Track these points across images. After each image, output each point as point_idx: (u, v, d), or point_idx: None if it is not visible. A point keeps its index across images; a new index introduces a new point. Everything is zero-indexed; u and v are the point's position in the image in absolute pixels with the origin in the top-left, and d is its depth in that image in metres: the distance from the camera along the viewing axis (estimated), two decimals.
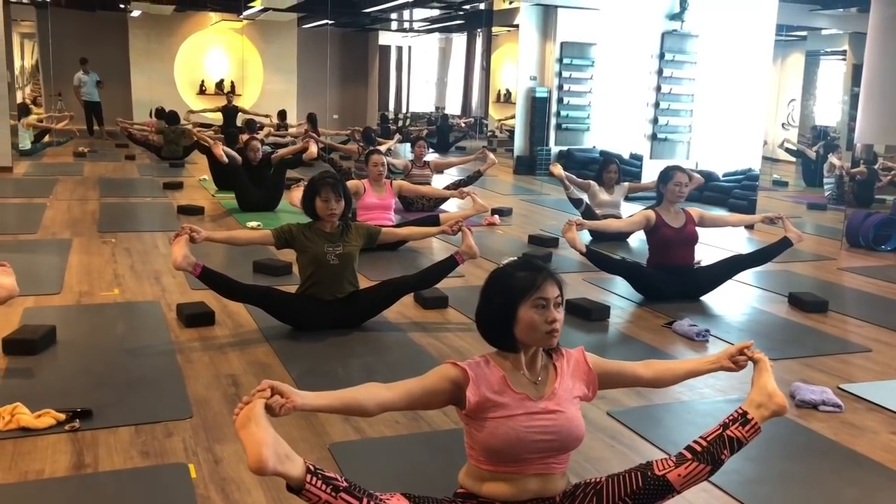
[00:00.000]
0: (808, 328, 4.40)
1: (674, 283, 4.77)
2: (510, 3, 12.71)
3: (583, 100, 11.88)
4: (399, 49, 18.51)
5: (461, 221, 4.30)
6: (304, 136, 11.18)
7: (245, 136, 10.24)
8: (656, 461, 1.93)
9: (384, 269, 5.06)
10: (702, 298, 4.86)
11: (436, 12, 15.09)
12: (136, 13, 15.54)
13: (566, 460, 1.99)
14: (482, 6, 13.77)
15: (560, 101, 11.76)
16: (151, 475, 2.48)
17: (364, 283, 4.26)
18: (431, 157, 10.04)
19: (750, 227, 7.26)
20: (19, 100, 13.44)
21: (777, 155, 12.79)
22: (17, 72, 14.01)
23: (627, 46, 11.31)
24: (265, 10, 14.81)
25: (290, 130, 13.38)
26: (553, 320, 1.91)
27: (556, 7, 11.42)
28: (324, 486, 1.68)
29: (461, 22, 15.96)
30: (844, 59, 12.35)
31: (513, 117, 12.65)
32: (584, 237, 6.29)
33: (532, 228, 7.10)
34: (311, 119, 12.53)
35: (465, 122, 16.22)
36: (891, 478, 2.65)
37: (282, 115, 14.20)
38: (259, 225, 6.70)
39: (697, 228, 4.87)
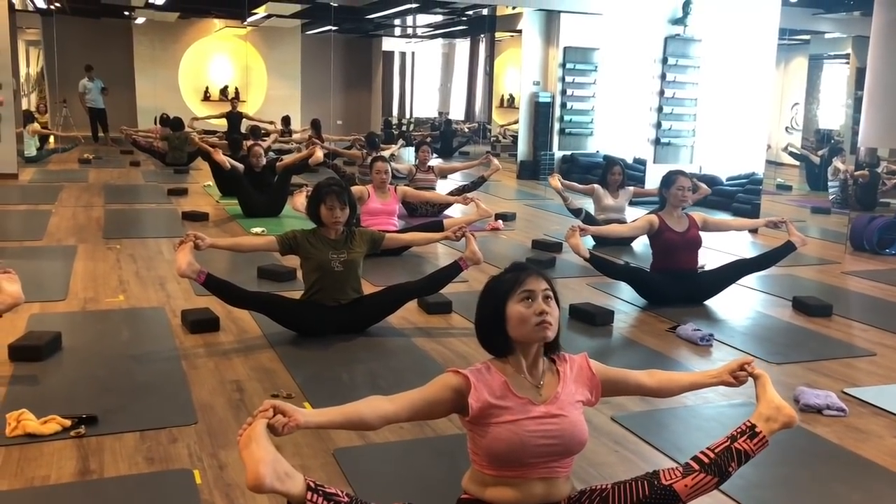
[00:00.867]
0: (812, 332, 4.40)
1: (678, 287, 4.77)
2: (513, 8, 12.73)
3: (586, 104, 11.90)
4: (402, 55, 18.53)
5: (465, 227, 4.30)
6: (308, 142, 11.22)
7: (249, 142, 10.29)
8: (663, 470, 1.94)
9: (388, 275, 5.07)
10: (706, 303, 4.86)
11: (439, 18, 15.12)
12: (140, 20, 15.59)
13: (570, 464, 2.00)
14: (485, 12, 13.79)
15: (563, 105, 11.77)
16: (156, 481, 2.49)
17: (368, 288, 4.27)
18: (435, 162, 10.06)
19: (753, 231, 7.25)
20: (24, 107, 13.49)
21: (781, 159, 12.79)
22: (22, 79, 14.06)
23: (631, 51, 11.34)
24: (269, 16, 14.85)
25: (295, 136, 13.42)
26: (541, 311, 1.92)
27: (559, 12, 11.44)
28: (324, 503, 1.69)
29: (464, 27, 15.98)
30: (848, 63, 12.35)
31: (516, 122, 12.66)
32: (588, 242, 6.29)
33: (536, 233, 7.11)
34: (315, 125, 12.56)
35: (468, 127, 16.25)
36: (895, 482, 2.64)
37: (286, 121, 14.24)
38: (263, 231, 6.73)
39: (701, 233, 4.87)
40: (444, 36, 17.63)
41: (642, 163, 10.76)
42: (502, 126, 15.35)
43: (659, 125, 10.62)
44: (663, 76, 10.50)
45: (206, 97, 16.27)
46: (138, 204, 8.21)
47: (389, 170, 6.40)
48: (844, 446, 2.90)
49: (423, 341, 3.97)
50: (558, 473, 1.96)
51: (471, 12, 13.89)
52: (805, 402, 3.21)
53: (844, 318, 4.70)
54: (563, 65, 11.65)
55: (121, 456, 2.64)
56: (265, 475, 1.61)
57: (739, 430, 1.97)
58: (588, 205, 7.08)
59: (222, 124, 14.19)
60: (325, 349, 3.78)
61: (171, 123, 11.95)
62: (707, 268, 5.09)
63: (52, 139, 13.05)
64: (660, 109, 10.59)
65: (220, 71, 16.50)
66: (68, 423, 2.80)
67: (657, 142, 10.69)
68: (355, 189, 5.73)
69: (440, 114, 17.72)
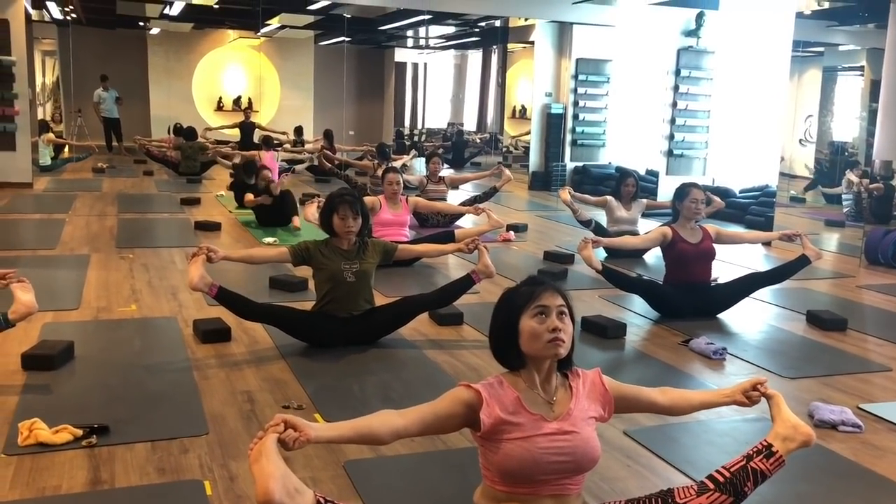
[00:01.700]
0: (826, 346, 4.36)
1: (691, 300, 4.74)
2: (525, 20, 12.76)
3: (598, 116, 11.89)
4: (415, 66, 18.60)
5: (477, 239, 4.30)
6: (320, 152, 11.27)
7: (264, 153, 10.35)
8: (678, 489, 1.92)
9: (399, 286, 5.06)
10: (719, 316, 4.83)
11: (451, 29, 15.17)
12: (155, 31, 15.73)
13: (581, 481, 1.98)
14: (498, 23, 13.82)
15: (575, 117, 11.77)
16: (167, 492, 2.49)
17: (379, 299, 4.27)
18: (447, 172, 10.07)
19: (767, 243, 7.21)
20: (40, 116, 13.60)
21: (794, 171, 12.72)
22: (38, 89, 14.20)
23: (643, 63, 11.33)
24: (282, 27, 14.95)
25: (307, 146, 13.48)
26: (554, 328, 1.91)
27: (572, 24, 11.45)
28: None
29: (476, 39, 16.03)
30: (862, 75, 12.28)
31: (528, 133, 12.68)
32: (600, 254, 6.27)
33: (547, 245, 7.09)
34: (328, 135, 12.61)
35: (480, 138, 16.27)
36: None
37: (298, 131, 14.31)
38: (276, 241, 6.75)
39: (714, 245, 4.85)
40: (456, 47, 17.69)
41: (655, 174, 10.72)
42: (514, 137, 15.37)
43: (672, 137, 10.58)
44: (676, 88, 10.48)
45: (220, 107, 16.37)
46: (151, 213, 8.25)
47: (401, 181, 6.41)
48: (860, 463, 2.86)
49: (435, 353, 3.96)
50: (570, 490, 1.95)
51: (483, 24, 13.94)
52: (820, 418, 3.18)
53: (859, 332, 4.65)
54: (576, 76, 11.66)
55: (132, 466, 2.64)
56: (275, 491, 1.60)
57: (755, 449, 1.95)
58: (600, 217, 7.06)
59: (235, 134, 14.28)
60: (336, 360, 3.77)
61: (185, 133, 12.02)
62: (720, 281, 5.06)
63: (66, 149, 13.14)
64: (672, 121, 10.56)
65: (233, 81, 16.60)
66: (80, 432, 2.80)
67: (670, 153, 10.65)
68: (367, 200, 5.74)
69: (452, 125, 17.76)
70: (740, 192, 9.70)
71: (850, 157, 11.34)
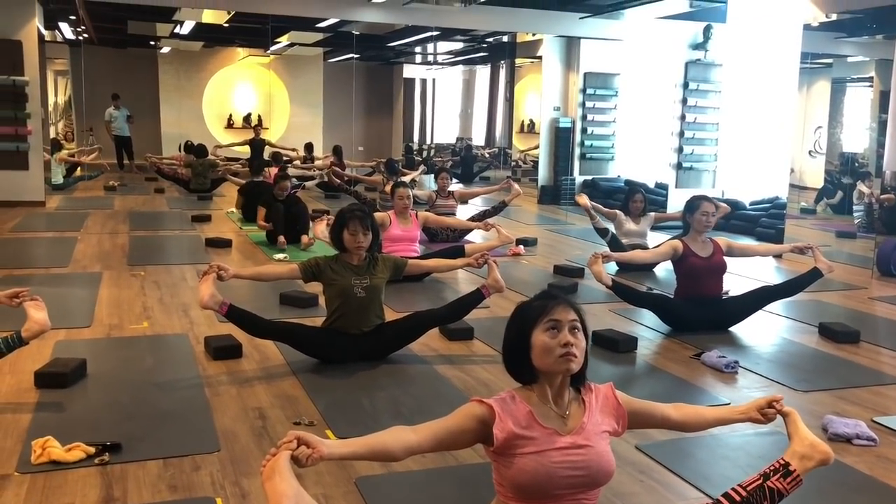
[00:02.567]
0: (839, 359, 4.33)
1: (702, 313, 4.72)
2: (533, 35, 12.80)
3: (607, 129, 11.90)
4: (423, 81, 18.68)
5: (487, 254, 4.30)
6: (330, 168, 11.31)
7: (273, 170, 10.39)
8: None
9: (410, 301, 5.07)
10: (731, 329, 4.81)
11: (459, 45, 15.24)
12: (165, 50, 15.86)
13: (596, 496, 1.97)
14: (505, 38, 13.89)
15: (584, 130, 11.79)
16: None
17: (390, 315, 4.27)
18: (456, 187, 10.09)
19: (778, 256, 7.18)
20: (52, 135, 13.72)
21: (804, 182, 12.68)
22: (50, 108, 14.33)
23: (651, 76, 11.35)
24: (292, 45, 15.04)
25: (317, 163, 13.53)
26: (566, 343, 1.89)
27: (579, 38, 11.49)
28: None
29: (485, 54, 16.10)
30: (871, 86, 12.25)
31: (537, 147, 12.68)
32: (611, 267, 6.26)
33: (557, 259, 7.09)
34: (337, 151, 12.66)
35: (488, 153, 16.30)
36: None
37: (308, 147, 14.37)
38: (286, 257, 6.77)
39: (725, 258, 4.83)
40: (464, 63, 17.76)
41: (664, 187, 10.72)
42: (523, 151, 15.38)
43: (681, 150, 10.59)
44: (684, 101, 10.49)
45: (230, 125, 16.47)
46: (163, 230, 8.29)
47: (412, 195, 6.42)
48: (875, 476, 2.84)
49: (445, 368, 3.96)
50: None
51: (491, 39, 14.01)
52: (834, 432, 3.16)
53: (873, 344, 4.62)
54: (584, 90, 11.68)
55: (144, 483, 2.65)
56: None
57: (772, 467, 1.93)
58: (610, 228, 7.05)
59: (245, 151, 14.35)
60: (346, 376, 3.77)
61: (195, 150, 12.09)
62: (731, 294, 5.04)
63: (79, 168, 13.23)
64: (681, 134, 10.57)
65: (243, 99, 16.71)
66: (92, 450, 2.81)
67: (679, 166, 10.66)
68: (377, 216, 5.75)
69: (461, 139, 17.80)
70: (750, 205, 9.68)
71: (860, 168, 11.29)
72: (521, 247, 7.47)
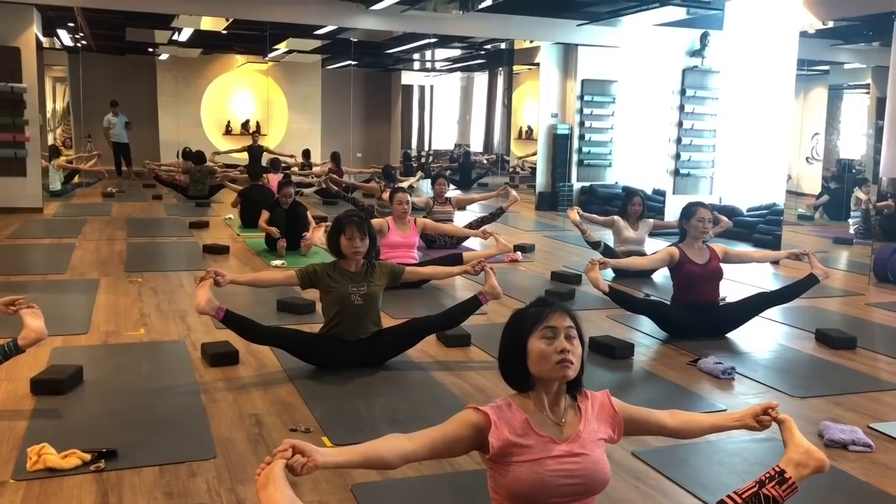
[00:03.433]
0: (836, 365, 4.34)
1: (699, 320, 4.73)
2: (531, 42, 12.84)
3: (604, 136, 11.93)
4: (421, 88, 18.72)
5: (484, 261, 4.30)
6: (327, 174, 11.32)
7: (272, 176, 10.40)
8: None
9: (407, 308, 5.07)
10: (727, 335, 4.81)
11: (457, 52, 15.27)
12: (164, 56, 15.89)
13: None
14: (503, 45, 13.91)
15: (581, 137, 11.81)
16: None
17: (387, 321, 4.27)
18: (453, 193, 10.09)
19: (775, 262, 7.19)
20: (50, 142, 13.73)
21: (801, 188, 12.70)
22: (48, 114, 14.34)
23: (648, 83, 11.38)
24: (290, 52, 15.07)
25: (315, 169, 13.54)
26: (562, 349, 1.89)
27: (577, 45, 11.52)
28: None
29: (482, 61, 16.13)
30: (868, 93, 12.29)
31: (534, 154, 12.70)
32: (608, 274, 6.26)
33: (555, 265, 7.09)
34: (335, 158, 12.67)
35: (486, 159, 16.33)
36: None
37: (306, 154, 14.39)
38: (283, 264, 6.76)
39: (722, 265, 4.84)
40: (462, 69, 17.81)
41: (662, 194, 10.73)
42: (521, 158, 15.40)
43: (678, 156, 10.60)
44: (682, 107, 10.51)
45: (228, 131, 16.48)
46: (160, 237, 8.29)
47: (410, 201, 6.42)
48: (871, 483, 2.84)
49: (442, 375, 3.96)
50: None
51: (489, 46, 14.03)
52: (830, 438, 3.16)
53: (869, 350, 4.63)
54: (581, 97, 11.71)
55: (140, 490, 2.65)
56: None
57: (768, 475, 1.94)
58: (607, 237, 7.05)
59: (244, 158, 14.36)
60: (343, 383, 3.77)
61: (193, 157, 12.11)
62: (728, 300, 5.04)
63: (77, 175, 13.23)
64: (679, 140, 10.58)
65: (241, 105, 16.73)
66: (88, 457, 2.81)
67: (676, 173, 10.66)
68: (375, 222, 5.76)
69: (459, 146, 17.83)
70: (747, 211, 9.69)
71: (857, 175, 11.32)
72: (519, 253, 7.47)
